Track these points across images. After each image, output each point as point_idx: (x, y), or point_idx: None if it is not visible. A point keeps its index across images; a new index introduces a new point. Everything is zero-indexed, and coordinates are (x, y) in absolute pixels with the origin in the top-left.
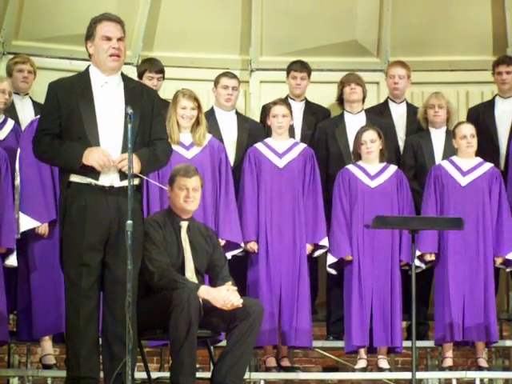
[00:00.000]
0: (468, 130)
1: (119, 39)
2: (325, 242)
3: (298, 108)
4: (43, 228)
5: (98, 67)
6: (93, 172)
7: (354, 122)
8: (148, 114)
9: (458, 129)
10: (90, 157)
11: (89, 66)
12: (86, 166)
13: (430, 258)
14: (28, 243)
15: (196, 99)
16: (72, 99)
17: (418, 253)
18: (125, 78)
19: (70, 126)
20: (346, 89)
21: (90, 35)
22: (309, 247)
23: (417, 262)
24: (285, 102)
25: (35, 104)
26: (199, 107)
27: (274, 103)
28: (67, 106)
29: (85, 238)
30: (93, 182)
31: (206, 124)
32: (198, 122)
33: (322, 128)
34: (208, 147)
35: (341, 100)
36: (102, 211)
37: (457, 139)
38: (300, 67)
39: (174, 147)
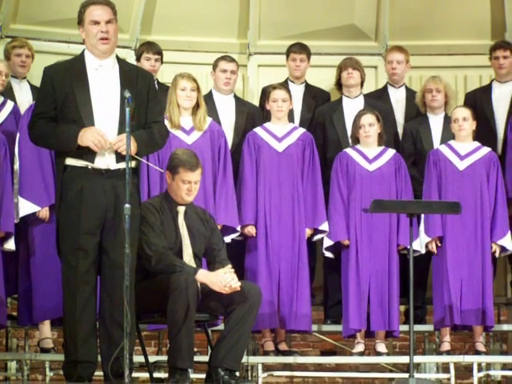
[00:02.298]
0: (460, 113)
1: (108, 22)
2: (325, 226)
3: (298, 91)
4: (44, 212)
5: (91, 51)
6: (88, 154)
7: (351, 106)
8: (144, 97)
9: (453, 113)
10: (85, 137)
11: (84, 49)
12: (82, 148)
13: (434, 245)
14: (28, 227)
15: (195, 80)
16: (67, 83)
17: (427, 239)
18: (120, 60)
19: (65, 109)
20: (343, 73)
21: (80, 20)
22: (308, 231)
23: (415, 247)
24: (284, 86)
25: (33, 88)
26: (198, 89)
27: (274, 87)
28: (62, 90)
29: (81, 222)
30: (89, 164)
31: (205, 107)
32: (197, 105)
33: (319, 112)
34: (208, 132)
35: (339, 85)
36: (99, 195)
37: (452, 123)
38: (299, 49)
39: (175, 132)
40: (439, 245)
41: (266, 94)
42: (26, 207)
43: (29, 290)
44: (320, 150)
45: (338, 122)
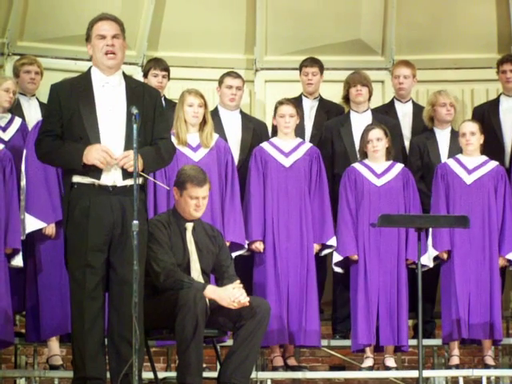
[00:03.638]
0: (468, 127)
1: (114, 37)
2: (333, 241)
3: (312, 106)
4: (50, 229)
5: (98, 67)
6: (95, 171)
7: (359, 120)
8: (150, 114)
9: (460, 127)
10: (90, 155)
11: (90, 66)
12: (88, 166)
13: (445, 256)
14: (35, 244)
15: (202, 96)
16: (73, 100)
17: (435, 252)
18: (126, 77)
19: (72, 127)
20: (351, 89)
21: (88, 37)
22: (316, 247)
23: (424, 261)
24: (291, 101)
25: (42, 105)
26: (205, 105)
27: (281, 103)
28: (68, 108)
29: (89, 239)
30: (95, 181)
31: (212, 123)
32: (204, 121)
33: (327, 127)
34: (215, 149)
35: (347, 98)
36: (106, 212)
37: (459, 137)
38: (310, 62)
39: (182, 149)
40: (446, 258)
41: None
42: (32, 223)
43: (36, 307)
44: (328, 164)
45: (346, 137)
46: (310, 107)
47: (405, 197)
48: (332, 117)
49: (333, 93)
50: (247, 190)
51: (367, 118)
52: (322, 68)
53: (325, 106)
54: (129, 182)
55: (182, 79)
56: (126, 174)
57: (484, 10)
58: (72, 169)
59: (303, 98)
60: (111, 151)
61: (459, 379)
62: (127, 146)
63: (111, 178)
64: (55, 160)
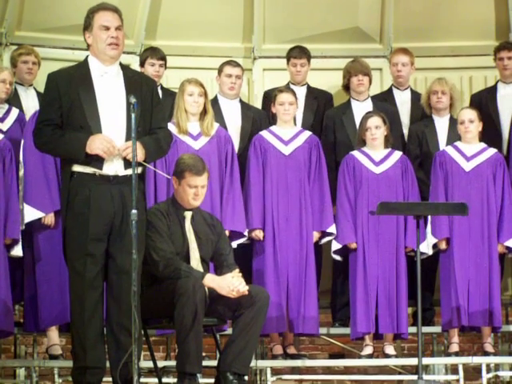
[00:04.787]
0: (466, 115)
1: (117, 28)
2: (332, 229)
3: (300, 94)
4: (49, 218)
5: (97, 57)
6: (97, 161)
7: (361, 108)
8: (148, 103)
9: (459, 114)
10: (93, 145)
11: (87, 56)
12: (90, 155)
13: (444, 246)
14: (33, 234)
15: (202, 86)
16: (72, 89)
17: (434, 240)
18: (123, 67)
19: (72, 116)
20: (353, 79)
21: (87, 25)
22: (316, 235)
23: (423, 249)
24: (291, 89)
25: (39, 94)
26: (206, 94)
27: (280, 91)
28: (68, 97)
29: (89, 229)
30: (97, 171)
31: (212, 112)
32: (205, 111)
33: (329, 115)
34: (215, 138)
35: (347, 87)
36: (106, 201)
37: (458, 125)
38: (299, 53)
39: (182, 137)
40: (446, 247)
41: (269, 97)
42: (30, 213)
43: (34, 297)
44: (330, 152)
45: (348, 125)
46: (298, 95)
47: (403, 184)
48: (321, 103)
49: (332, 80)
50: (247, 178)
51: (368, 106)
52: (309, 57)
53: (313, 93)
54: (130, 171)
55: (180, 68)
56: (128, 164)
57: None
58: (73, 158)
59: (291, 86)
60: (114, 142)
61: (459, 366)
62: (128, 136)
63: (113, 168)
64: (56, 149)
